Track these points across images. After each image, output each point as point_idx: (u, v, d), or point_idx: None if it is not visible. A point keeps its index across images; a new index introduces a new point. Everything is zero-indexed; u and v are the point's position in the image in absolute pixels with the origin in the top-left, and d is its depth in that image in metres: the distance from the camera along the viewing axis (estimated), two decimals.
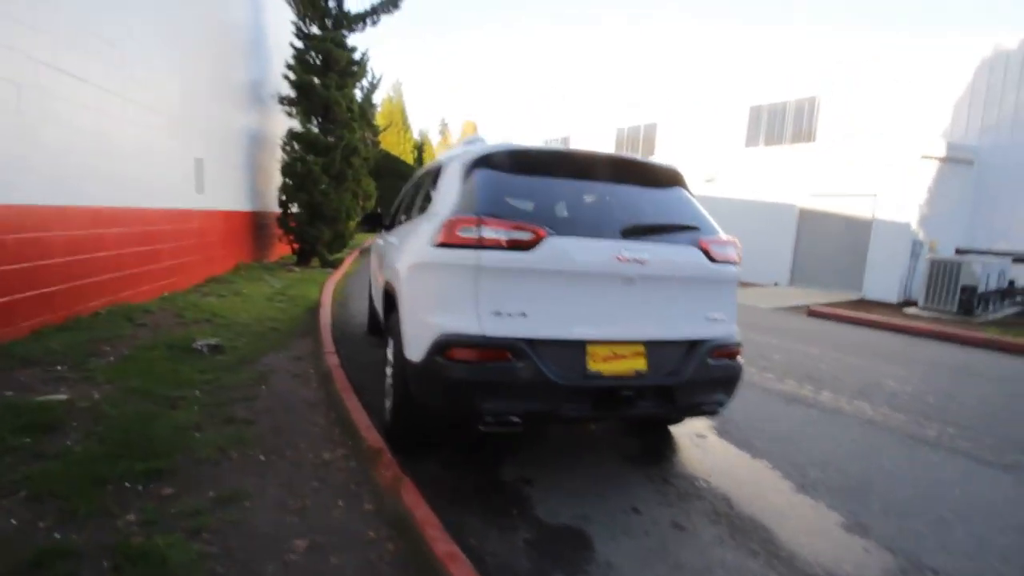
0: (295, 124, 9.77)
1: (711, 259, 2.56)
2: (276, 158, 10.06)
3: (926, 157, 11.57)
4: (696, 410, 2.59)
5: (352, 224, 10.81)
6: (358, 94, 10.98)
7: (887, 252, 12.02)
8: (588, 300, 2.36)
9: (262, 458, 2.58)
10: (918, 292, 11.40)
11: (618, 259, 2.35)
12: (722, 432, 3.51)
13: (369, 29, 10.15)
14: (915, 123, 13.75)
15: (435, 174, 3.16)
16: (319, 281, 8.95)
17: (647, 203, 2.66)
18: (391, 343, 3.01)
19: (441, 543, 1.85)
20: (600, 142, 22.50)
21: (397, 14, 10.48)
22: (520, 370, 2.22)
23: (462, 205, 2.41)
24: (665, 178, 2.81)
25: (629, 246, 2.37)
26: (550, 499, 2.49)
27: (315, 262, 10.66)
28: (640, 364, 2.43)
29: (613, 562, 2.05)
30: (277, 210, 10.36)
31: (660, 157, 19.84)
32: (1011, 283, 10.79)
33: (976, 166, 12.76)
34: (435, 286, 2.38)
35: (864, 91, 14.62)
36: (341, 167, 10.21)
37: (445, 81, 79.35)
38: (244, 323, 5.47)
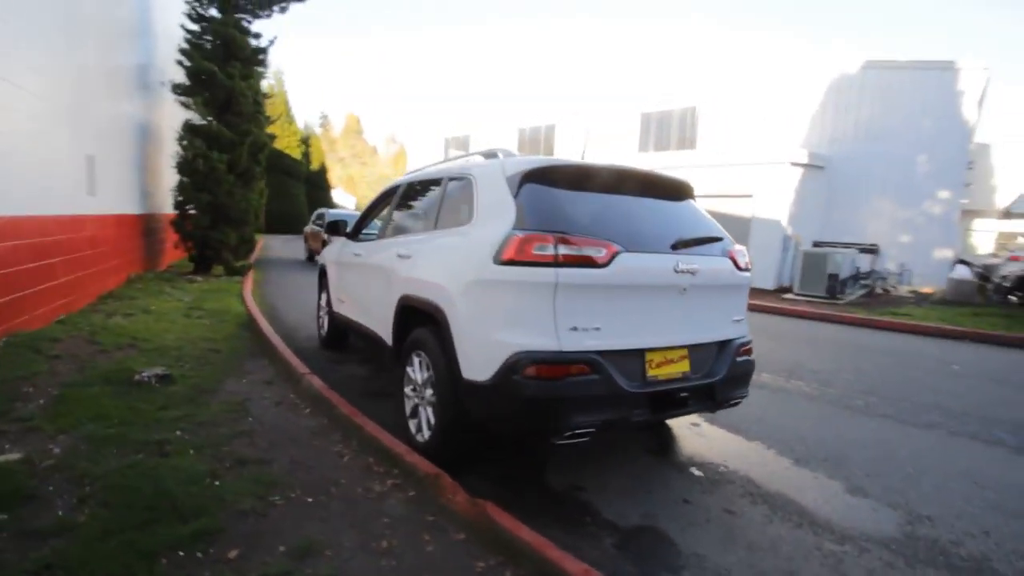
0: (192, 116, 8.67)
1: (737, 267, 2.83)
2: (168, 153, 8.86)
3: (794, 164, 13.45)
4: (728, 404, 2.83)
5: (251, 230, 9.86)
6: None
7: (764, 246, 13.73)
8: (647, 310, 2.49)
9: (309, 500, 2.34)
10: (790, 279, 13.26)
11: (675, 271, 2.50)
12: (709, 420, 3.86)
13: (275, 16, 9.29)
14: (780, 132, 15.87)
15: (454, 186, 3.07)
16: (232, 292, 8.09)
17: (676, 216, 2.85)
18: (419, 362, 2.90)
19: (570, 562, 1.86)
20: (502, 142, 22.87)
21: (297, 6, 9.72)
22: (597, 383, 2.28)
23: (521, 221, 2.39)
24: (683, 191, 3.02)
25: (683, 259, 2.54)
26: (610, 502, 2.58)
27: (217, 269, 9.59)
28: (685, 367, 2.61)
29: (699, 552, 2.20)
30: (169, 212, 9.14)
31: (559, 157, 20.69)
32: (858, 269, 12.98)
33: (827, 172, 15.06)
34: (505, 304, 2.34)
35: (736, 103, 16.54)
36: (248, 164, 9.28)
37: (332, 62, 74.75)
38: (175, 346, 4.81)
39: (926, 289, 12.71)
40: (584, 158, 18.12)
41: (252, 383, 4.00)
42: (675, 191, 2.98)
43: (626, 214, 2.63)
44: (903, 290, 13.16)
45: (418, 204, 3.66)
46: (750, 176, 14.35)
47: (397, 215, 3.84)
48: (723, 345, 2.80)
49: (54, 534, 1.94)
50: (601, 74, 19.42)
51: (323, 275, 5.37)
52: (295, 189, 28.26)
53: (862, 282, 13.02)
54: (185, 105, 8.58)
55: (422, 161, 26.79)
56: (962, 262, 14.20)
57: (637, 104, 18.73)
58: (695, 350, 2.66)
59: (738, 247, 2.93)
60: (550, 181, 2.57)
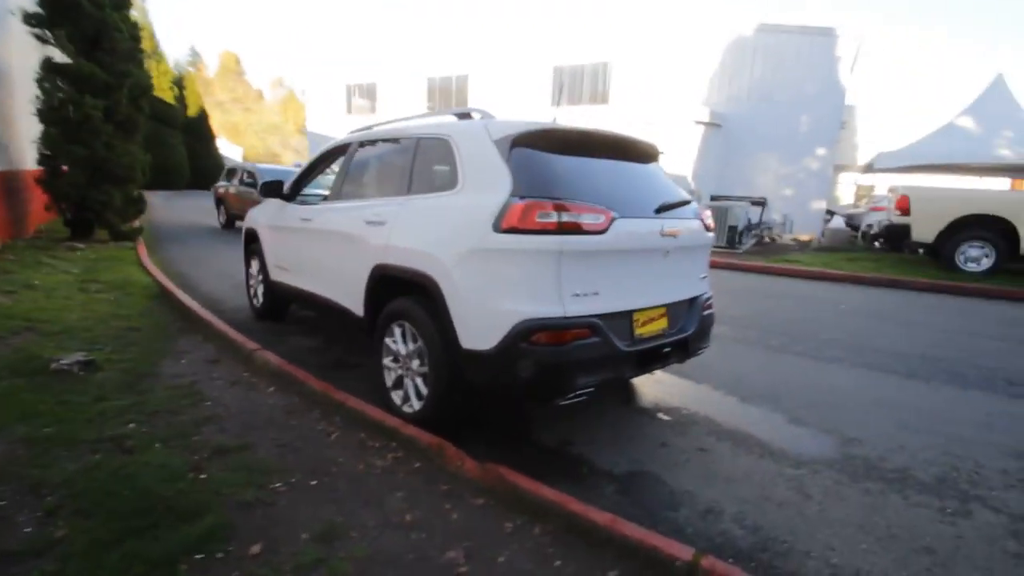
0: (54, 53, 7.25)
1: (705, 228, 3.03)
2: (24, 98, 7.40)
3: (698, 122, 14.27)
4: (696, 354, 3.09)
5: (136, 188, 8.64)
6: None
7: None
8: (636, 273, 2.60)
9: (313, 483, 2.25)
10: None
11: (661, 235, 2.62)
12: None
13: None
14: (685, 90, 16.65)
15: (426, 147, 2.92)
16: (127, 260, 7.18)
17: (650, 179, 2.95)
18: (401, 333, 2.83)
19: (594, 513, 1.99)
20: (410, 91, 21.76)
21: None
22: (598, 345, 2.39)
23: (518, 188, 2.36)
24: (653, 154, 3.13)
25: (667, 222, 2.66)
26: (599, 452, 2.76)
27: (101, 234, 8.38)
28: (664, 324, 2.80)
29: (688, 489, 2.45)
30: (32, 168, 7.74)
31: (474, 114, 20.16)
32: (750, 221, 14.31)
33: (724, 129, 16.17)
34: (508, 273, 2.33)
35: (646, 59, 17.01)
36: (129, 112, 8.03)
37: None
38: (82, 326, 4.23)
39: (805, 237, 14.36)
40: (557, 110, 17.78)
41: (193, 363, 3.66)
42: (647, 154, 3.08)
43: (611, 179, 2.69)
44: (787, 239, 14.78)
45: (379, 166, 3.44)
46: (659, 133, 15.00)
47: (352, 176, 3.59)
48: (692, 301, 3.02)
49: (34, 554, 1.71)
50: (514, 24, 18.90)
51: (252, 240, 4.93)
52: (172, 139, 24.99)
53: (753, 232, 14.42)
54: (41, 39, 7.13)
55: (323, 109, 24.79)
56: (830, 213, 16.21)
57: (550, 57, 18.59)
58: (672, 308, 2.85)
59: (705, 210, 3.13)
60: (538, 145, 2.54)
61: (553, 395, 2.38)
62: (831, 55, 15.13)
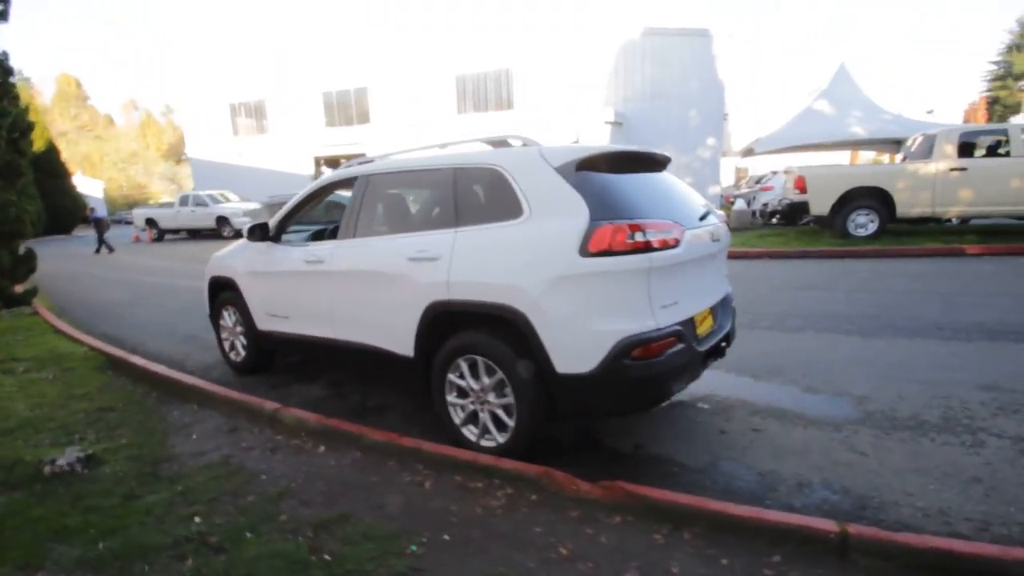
0: None
1: (729, 229, 3.31)
2: None
3: (607, 122, 15.11)
4: (728, 347, 3.36)
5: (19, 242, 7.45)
6: None
7: None
8: (695, 278, 2.80)
9: (446, 537, 2.17)
10: None
11: (711, 240, 2.84)
12: None
13: None
14: (586, 92, 17.52)
15: (470, 177, 2.90)
16: (39, 328, 6.21)
17: (675, 187, 3.16)
18: (468, 368, 2.78)
19: (734, 508, 2.14)
20: (304, 108, 20.69)
21: None
22: (683, 350, 2.55)
23: (595, 211, 2.45)
24: (666, 163, 3.35)
25: (711, 228, 2.89)
26: (675, 450, 2.92)
27: None
28: (711, 322, 3.03)
29: (769, 468, 2.68)
30: None
31: (374, 123, 19.65)
32: None
33: (625, 127, 17.26)
34: (601, 294, 2.40)
35: (548, 64, 17.67)
36: (8, 156, 6.87)
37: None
38: (43, 416, 3.64)
39: None
40: (462, 118, 17.36)
41: (207, 436, 3.29)
42: (663, 164, 3.29)
43: (654, 192, 2.85)
44: None
45: (408, 200, 3.33)
46: (568, 135, 15.68)
47: (368, 212, 3.43)
48: (724, 298, 3.29)
49: None
50: (412, 35, 18.68)
51: (222, 289, 4.50)
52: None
53: None
54: None
55: (204, 132, 22.73)
56: (736, 197, 17.94)
57: (451, 66, 18.64)
58: (715, 307, 3.09)
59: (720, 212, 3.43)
60: (595, 168, 2.65)
61: (652, 404, 2.51)
62: (709, 53, 16.77)
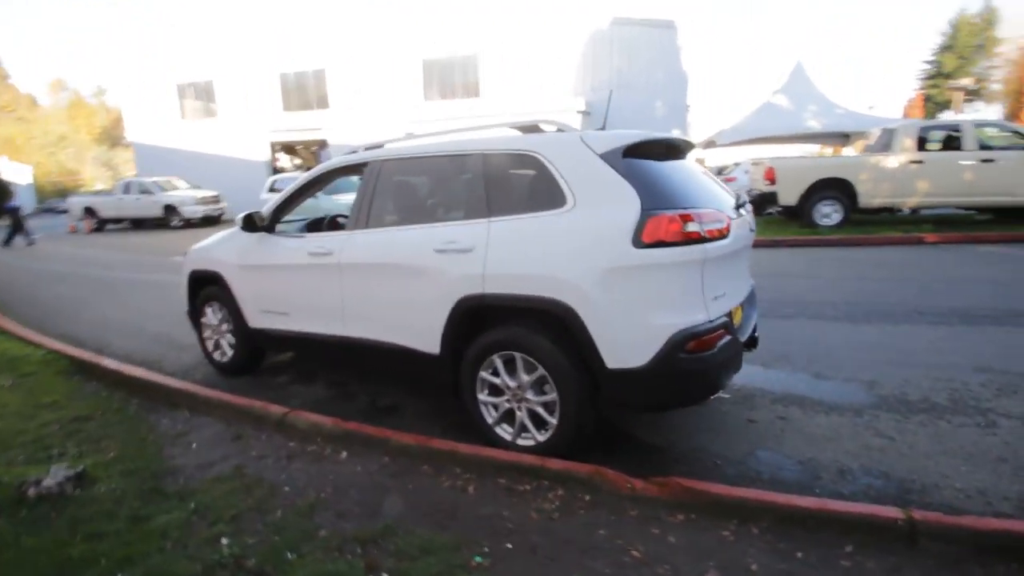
0: None
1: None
2: None
3: (578, 112, 15.06)
4: None
5: None
6: None
7: None
8: (734, 268, 2.77)
9: (508, 546, 2.04)
10: None
11: (751, 230, 2.81)
12: None
13: None
14: (555, 80, 17.40)
15: (503, 164, 2.74)
16: None
17: (703, 176, 3.12)
18: (503, 364, 2.66)
19: (799, 499, 2.13)
20: (258, 89, 19.63)
21: None
22: (732, 342, 2.52)
23: (646, 200, 2.36)
24: (688, 151, 3.27)
25: (747, 219, 2.85)
26: (710, 442, 2.90)
27: None
28: (740, 313, 3.02)
29: (810, 456, 2.70)
30: None
31: (334, 108, 18.88)
32: None
33: (592, 117, 17.28)
34: (656, 286, 2.32)
35: (515, 51, 17.42)
36: None
37: None
38: (11, 430, 3.26)
39: None
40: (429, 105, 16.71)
41: (209, 445, 3.03)
42: (687, 151, 3.22)
43: (692, 180, 2.78)
44: None
45: (428, 188, 3.14)
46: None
47: (382, 201, 3.21)
48: (752, 289, 3.29)
49: None
50: (375, 16, 17.97)
51: (206, 283, 4.17)
52: None
53: None
54: None
55: (148, 114, 21.20)
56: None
57: (418, 51, 18.10)
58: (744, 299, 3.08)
59: None
60: (639, 155, 2.56)
61: (703, 398, 2.46)
62: (674, 45, 16.99)
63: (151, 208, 17.16)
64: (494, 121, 3.18)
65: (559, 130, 2.82)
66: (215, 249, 4.12)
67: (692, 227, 2.30)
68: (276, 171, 19.97)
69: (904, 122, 10.11)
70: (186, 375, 4.25)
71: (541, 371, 2.56)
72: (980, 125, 9.32)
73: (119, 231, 18.25)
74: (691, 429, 3.08)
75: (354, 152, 3.56)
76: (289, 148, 21.67)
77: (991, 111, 39.35)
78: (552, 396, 2.56)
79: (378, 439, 2.84)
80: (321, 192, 4.13)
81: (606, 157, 2.48)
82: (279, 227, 3.86)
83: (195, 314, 4.34)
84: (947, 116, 28.06)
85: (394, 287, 3.01)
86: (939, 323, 4.77)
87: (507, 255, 2.59)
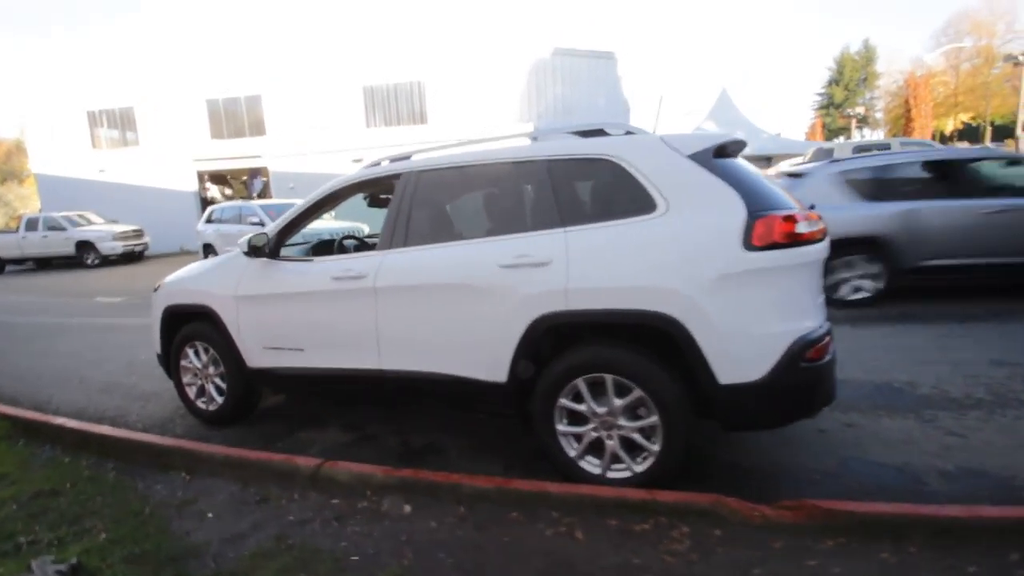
0: None
1: None
2: None
3: (529, 136, 15.16)
4: None
5: None
6: None
7: None
8: None
9: None
10: None
11: None
12: None
13: None
14: (499, 108, 17.55)
15: (570, 171, 2.52)
16: None
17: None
18: (587, 390, 2.40)
19: (924, 508, 2.01)
20: (184, 116, 18.34)
21: None
22: (833, 347, 2.39)
23: (751, 201, 2.22)
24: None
25: None
26: (795, 455, 2.76)
27: None
28: None
29: (906, 461, 2.60)
30: None
31: (272, 136, 18.00)
32: None
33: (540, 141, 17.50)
34: (772, 291, 2.17)
35: (461, 78, 17.45)
36: None
37: None
38: None
39: None
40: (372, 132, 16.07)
41: (230, 513, 2.49)
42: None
43: (769, 182, 2.69)
44: None
45: (479, 199, 2.84)
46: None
47: (422, 216, 2.87)
48: None
49: None
50: (314, 42, 17.42)
51: (188, 320, 3.59)
52: None
53: None
54: None
55: (54, 145, 19.13)
56: None
57: (359, 77, 17.68)
58: None
59: None
60: (726, 155, 2.43)
61: (818, 410, 2.31)
62: (614, 74, 17.74)
63: (62, 246, 15.30)
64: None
65: (627, 132, 2.65)
66: (202, 280, 3.56)
67: (802, 228, 2.18)
68: (205, 201, 18.59)
69: (838, 143, 10.97)
70: (163, 429, 3.60)
71: (637, 393, 2.31)
72: (904, 143, 10.29)
73: (22, 272, 16.11)
74: (764, 445, 2.92)
75: (376, 164, 3.21)
76: (219, 177, 20.29)
77: (877, 135, 44.34)
78: (652, 420, 2.31)
79: (446, 486, 2.44)
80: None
81: (696, 158, 2.33)
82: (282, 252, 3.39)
83: (172, 357, 3.71)
84: (840, 140, 31.07)
85: (447, 310, 2.66)
86: (926, 323, 5.01)
87: (593, 267, 2.35)
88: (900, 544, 1.96)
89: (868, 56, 47.96)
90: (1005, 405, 3.18)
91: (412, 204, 2.88)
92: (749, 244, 2.14)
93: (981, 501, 2.23)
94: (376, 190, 3.56)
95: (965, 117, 39.17)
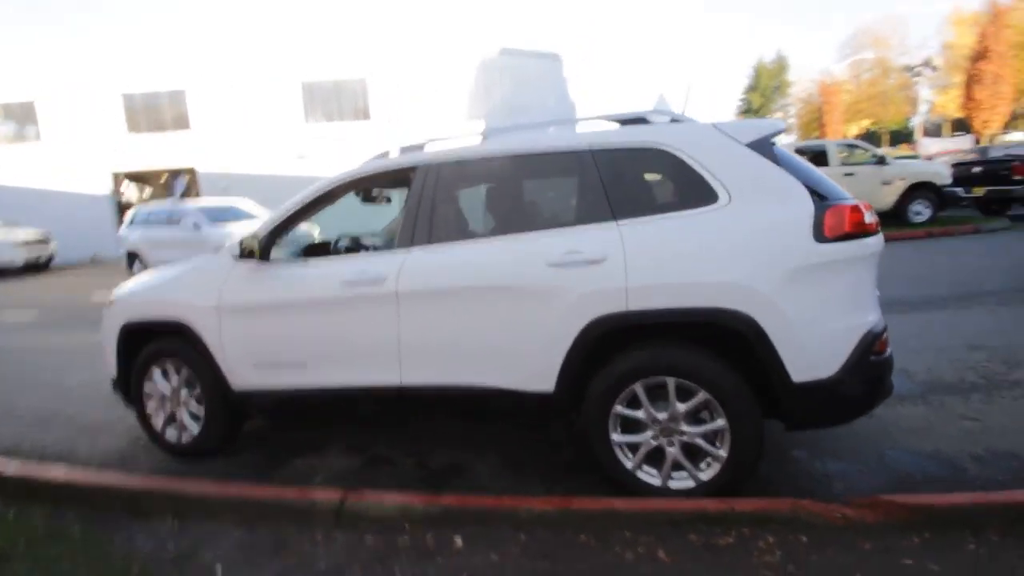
0: None
1: None
2: None
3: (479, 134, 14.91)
4: None
5: None
6: None
7: None
8: None
9: None
10: None
11: None
12: None
13: None
14: (447, 106, 17.19)
15: (618, 161, 2.36)
16: None
17: None
18: (643, 394, 2.25)
19: (994, 496, 2.02)
20: (96, 111, 16.57)
21: None
22: None
23: (817, 191, 2.16)
24: None
25: None
26: (826, 448, 2.74)
27: None
28: None
29: (964, 450, 2.65)
30: None
31: (197, 132, 16.64)
32: None
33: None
34: (841, 284, 2.12)
35: (406, 74, 16.93)
36: None
37: None
38: None
39: None
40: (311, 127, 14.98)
41: (243, 565, 2.12)
42: None
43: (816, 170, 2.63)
44: None
45: (514, 192, 2.60)
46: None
47: (448, 212, 2.60)
48: None
49: None
50: (246, 37, 16.27)
51: (154, 338, 3.11)
52: None
53: None
54: None
55: None
56: None
57: (297, 73, 16.71)
58: None
59: None
60: (776, 144, 2.35)
61: (876, 405, 2.27)
62: (561, 75, 17.87)
63: None
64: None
65: (674, 120, 2.52)
66: (170, 290, 3.08)
67: (869, 218, 2.14)
68: (122, 205, 16.88)
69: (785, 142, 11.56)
70: (125, 466, 3.08)
71: (702, 396, 2.18)
72: (839, 144, 11.00)
73: None
74: (790, 439, 2.88)
75: (384, 156, 2.90)
76: (137, 178, 18.47)
77: (791, 139, 47.87)
78: (718, 424, 2.19)
79: (499, 511, 2.20)
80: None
81: (755, 147, 2.23)
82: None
83: (131, 381, 3.19)
84: None
85: (485, 315, 2.41)
86: (900, 311, 5.26)
87: (655, 263, 2.19)
88: (982, 534, 1.94)
89: (781, 66, 51.63)
90: (999, 387, 3.35)
91: (435, 198, 2.60)
92: (820, 236, 2.07)
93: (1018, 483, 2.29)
94: (385, 184, 3.23)
95: (867, 123, 43.10)
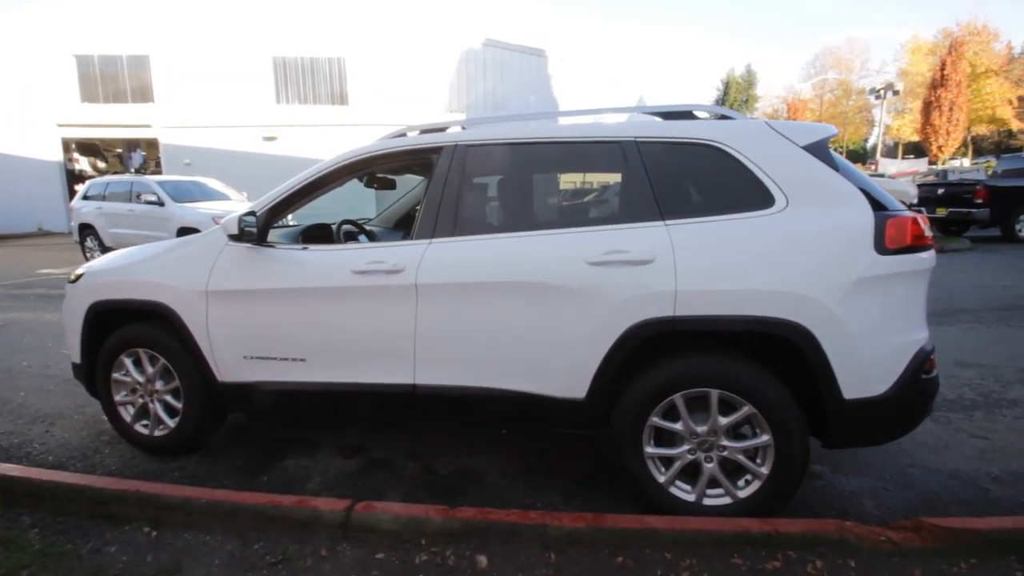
0: None
1: None
2: None
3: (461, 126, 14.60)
4: None
5: None
6: None
7: None
8: None
9: None
10: None
11: None
12: None
13: None
14: (426, 95, 16.77)
15: (674, 156, 2.21)
16: None
17: None
18: (684, 407, 2.11)
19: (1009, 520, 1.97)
20: (47, 72, 15.35)
21: None
22: None
23: (876, 201, 2.06)
24: None
25: None
26: (842, 465, 2.69)
27: None
28: None
29: (953, 467, 2.65)
30: None
31: (162, 102, 15.68)
32: None
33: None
34: (897, 298, 2.02)
35: (386, 60, 16.40)
36: None
37: None
38: None
39: None
40: (282, 108, 14.08)
41: None
42: None
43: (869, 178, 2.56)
44: None
45: (549, 182, 2.40)
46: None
47: (477, 200, 2.39)
48: None
49: None
50: (218, 8, 15.35)
51: (126, 322, 2.78)
52: None
53: None
54: None
55: None
56: None
57: (267, 45, 15.93)
58: None
59: None
60: (830, 147, 2.25)
61: (917, 426, 2.20)
62: (545, 72, 17.71)
63: None
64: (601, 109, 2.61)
65: (723, 117, 2.38)
66: (151, 269, 2.74)
67: (927, 231, 2.06)
68: (73, 175, 15.72)
69: None
70: (87, 463, 2.76)
71: (747, 410, 2.06)
72: None
73: None
74: (817, 457, 2.81)
75: (401, 135, 2.66)
76: (88, 146, 17.23)
77: None
78: (763, 439, 2.07)
79: (526, 527, 2.01)
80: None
81: (812, 150, 2.12)
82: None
83: (96, 368, 2.84)
84: None
85: (514, 314, 2.22)
86: None
87: (708, 268, 2.05)
88: None
89: (750, 80, 53.08)
90: (998, 405, 3.40)
91: (461, 185, 2.39)
92: (881, 247, 1.98)
93: None
94: (401, 166, 2.98)
95: None
